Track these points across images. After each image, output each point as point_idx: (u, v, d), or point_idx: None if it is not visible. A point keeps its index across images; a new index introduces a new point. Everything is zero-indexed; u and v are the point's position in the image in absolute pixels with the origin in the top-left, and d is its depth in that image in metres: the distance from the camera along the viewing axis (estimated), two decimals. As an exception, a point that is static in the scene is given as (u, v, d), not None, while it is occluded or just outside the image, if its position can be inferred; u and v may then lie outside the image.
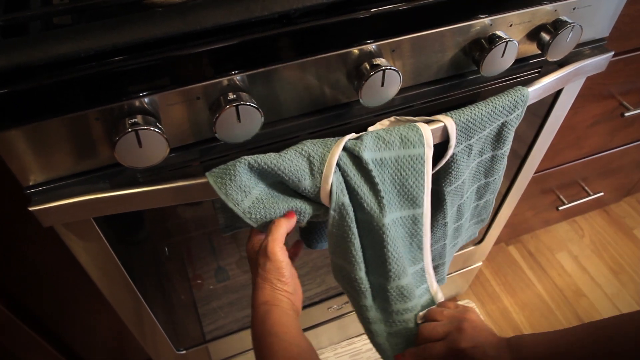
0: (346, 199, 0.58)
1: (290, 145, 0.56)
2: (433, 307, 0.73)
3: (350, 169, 0.57)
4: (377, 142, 0.58)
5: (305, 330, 1.16)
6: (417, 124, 0.59)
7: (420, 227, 0.67)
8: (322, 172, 0.56)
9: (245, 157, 0.53)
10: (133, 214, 0.57)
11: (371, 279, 0.66)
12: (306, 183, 0.56)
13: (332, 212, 0.58)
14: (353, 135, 0.58)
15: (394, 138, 0.58)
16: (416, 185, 0.62)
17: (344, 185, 0.57)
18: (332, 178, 0.56)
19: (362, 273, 0.64)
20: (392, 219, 0.63)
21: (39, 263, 0.69)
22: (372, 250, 0.63)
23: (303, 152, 0.55)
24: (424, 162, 0.60)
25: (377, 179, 0.59)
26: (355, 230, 0.60)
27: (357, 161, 0.57)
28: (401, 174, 0.60)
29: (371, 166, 0.58)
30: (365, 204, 0.59)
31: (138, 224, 0.70)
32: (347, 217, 0.58)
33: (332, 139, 0.57)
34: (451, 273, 1.24)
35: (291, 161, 0.54)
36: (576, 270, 1.51)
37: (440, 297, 0.75)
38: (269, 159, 0.53)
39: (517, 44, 0.58)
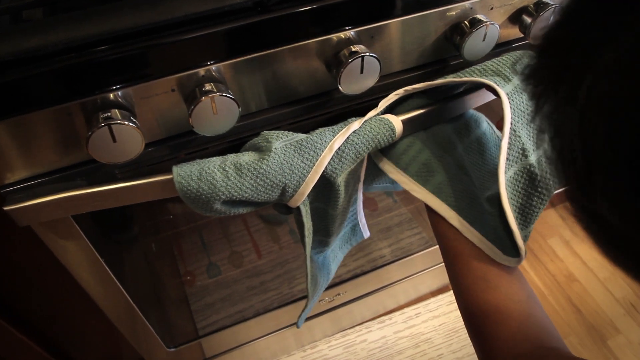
0: (308, 206, 0.61)
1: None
2: None
3: (319, 189, 0.60)
4: (354, 159, 0.57)
5: (298, 323, 1.16)
6: (394, 125, 0.57)
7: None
8: (292, 196, 0.56)
9: (221, 190, 0.51)
10: (116, 210, 0.56)
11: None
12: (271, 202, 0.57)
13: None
14: (328, 156, 0.55)
15: (369, 147, 0.57)
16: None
17: (309, 199, 0.60)
18: (300, 202, 0.57)
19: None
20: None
21: (24, 264, 0.67)
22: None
23: (280, 183, 0.53)
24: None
25: (343, 189, 0.60)
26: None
27: (329, 182, 0.59)
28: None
29: (341, 184, 0.59)
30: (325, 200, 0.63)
31: (121, 220, 0.69)
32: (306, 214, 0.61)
33: (311, 161, 0.54)
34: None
35: (266, 194, 0.54)
36: (568, 256, 1.51)
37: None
38: (244, 194, 0.52)
39: (498, 27, 0.57)
